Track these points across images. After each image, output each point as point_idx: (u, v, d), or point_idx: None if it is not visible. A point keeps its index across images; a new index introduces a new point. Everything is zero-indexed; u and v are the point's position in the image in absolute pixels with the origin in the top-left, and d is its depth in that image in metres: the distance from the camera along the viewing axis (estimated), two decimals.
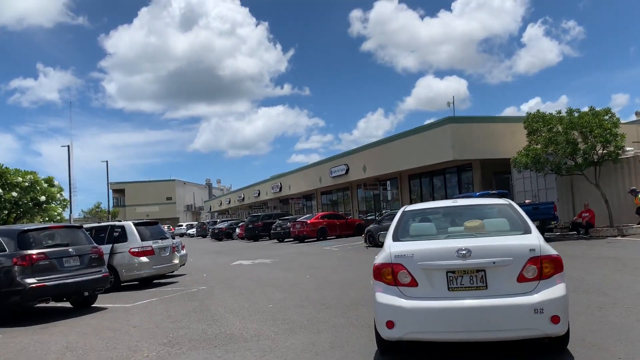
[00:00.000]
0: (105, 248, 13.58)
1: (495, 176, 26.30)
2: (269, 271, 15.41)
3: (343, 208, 40.29)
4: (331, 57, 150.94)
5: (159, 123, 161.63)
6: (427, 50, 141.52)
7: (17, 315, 9.81)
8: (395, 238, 5.57)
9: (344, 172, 35.41)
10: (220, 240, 43.08)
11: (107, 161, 62.49)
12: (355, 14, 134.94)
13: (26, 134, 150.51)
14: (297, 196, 49.91)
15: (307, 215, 33.88)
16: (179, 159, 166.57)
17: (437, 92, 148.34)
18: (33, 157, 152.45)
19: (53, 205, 21.38)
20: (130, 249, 13.73)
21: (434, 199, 29.23)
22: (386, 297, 5.01)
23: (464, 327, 4.78)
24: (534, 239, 5.08)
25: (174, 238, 16.27)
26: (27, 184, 19.30)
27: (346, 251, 21.07)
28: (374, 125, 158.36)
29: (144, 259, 13.78)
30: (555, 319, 4.66)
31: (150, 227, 14.99)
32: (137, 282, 14.46)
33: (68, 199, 22.19)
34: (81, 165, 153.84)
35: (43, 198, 19.68)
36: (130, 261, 13.67)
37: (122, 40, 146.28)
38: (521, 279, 4.81)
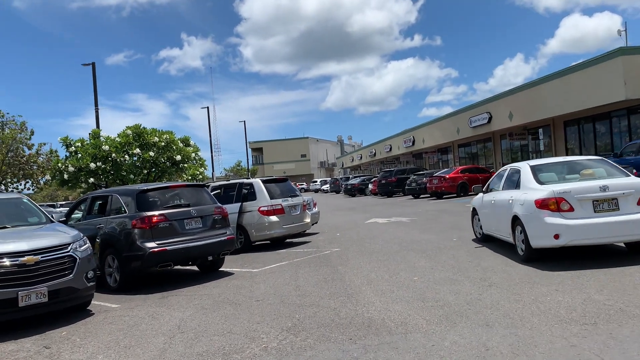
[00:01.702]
0: (234, 207, 12.87)
1: None
2: (408, 231, 13.72)
3: (484, 161, 36.96)
4: (464, 2, 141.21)
5: (293, 84, 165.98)
6: None
7: (141, 280, 9.28)
8: (540, 182, 8.04)
9: (485, 121, 32.08)
10: (353, 196, 42.25)
11: (244, 121, 64.52)
12: None
13: (175, 100, 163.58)
14: (431, 150, 47.19)
15: (445, 169, 31.38)
16: (312, 118, 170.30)
17: (584, 31, 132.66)
18: (182, 120, 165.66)
19: (190, 164, 21.49)
20: (260, 207, 12.84)
21: (596, 148, 25.20)
22: (552, 219, 7.30)
23: (606, 234, 7.20)
24: None
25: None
26: (163, 143, 19.47)
27: None
28: (512, 73, 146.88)
29: (273, 218, 12.82)
30: None
31: (280, 184, 13.94)
32: (268, 242, 13.70)
33: (204, 158, 22.02)
34: (223, 126, 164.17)
35: (179, 157, 19.73)
36: (260, 220, 12.79)
37: (256, 5, 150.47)
38: (639, 202, 7.25)
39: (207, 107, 48.55)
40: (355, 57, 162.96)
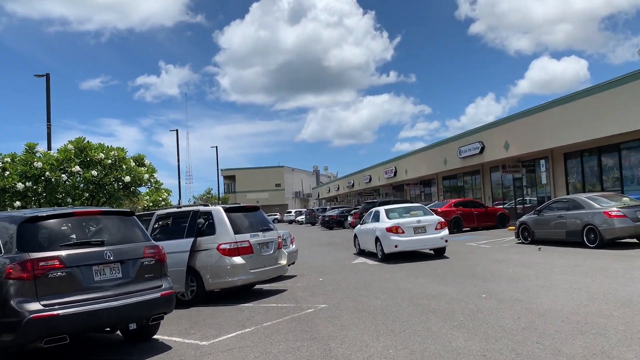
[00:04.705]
0: (186, 243, 9.66)
1: None
2: (410, 279, 10.69)
3: (471, 194, 34.44)
4: (438, 42, 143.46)
5: (269, 114, 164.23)
6: (542, 31, 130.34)
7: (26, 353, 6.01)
8: (389, 218, 14.80)
9: (477, 151, 29.59)
10: (330, 228, 39.13)
11: (216, 146, 61.52)
12: None
13: (149, 126, 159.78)
14: (414, 182, 44.66)
15: (435, 202, 28.68)
16: (287, 148, 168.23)
17: (553, 74, 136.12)
18: (155, 147, 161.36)
19: (152, 190, 18.20)
20: (220, 244, 9.60)
21: (602, 184, 22.78)
22: (395, 237, 14.04)
23: (421, 245, 14.35)
24: (438, 217, 14.92)
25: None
26: (110, 161, 16.16)
27: (501, 250, 15.75)
28: (484, 111, 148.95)
29: (237, 259, 9.59)
30: (446, 241, 14.50)
31: (248, 213, 10.69)
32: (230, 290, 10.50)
33: (162, 182, 18.63)
34: (197, 154, 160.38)
35: (128, 179, 16.35)
36: (219, 263, 9.55)
37: (235, 36, 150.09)
38: (436, 228, 14.35)
39: (177, 130, 45.36)
40: (332, 91, 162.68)
